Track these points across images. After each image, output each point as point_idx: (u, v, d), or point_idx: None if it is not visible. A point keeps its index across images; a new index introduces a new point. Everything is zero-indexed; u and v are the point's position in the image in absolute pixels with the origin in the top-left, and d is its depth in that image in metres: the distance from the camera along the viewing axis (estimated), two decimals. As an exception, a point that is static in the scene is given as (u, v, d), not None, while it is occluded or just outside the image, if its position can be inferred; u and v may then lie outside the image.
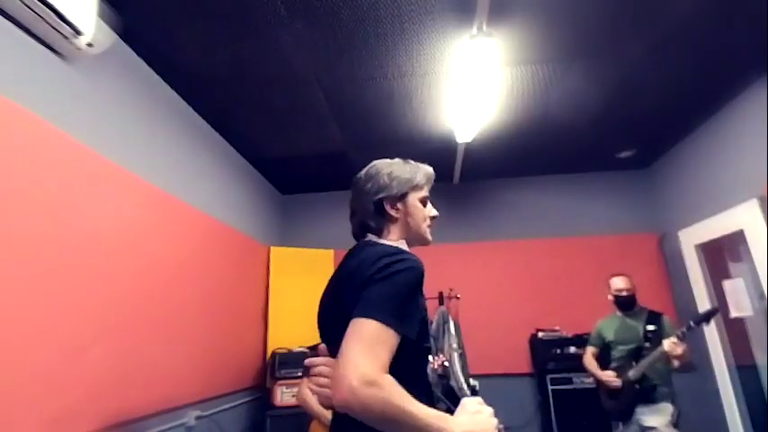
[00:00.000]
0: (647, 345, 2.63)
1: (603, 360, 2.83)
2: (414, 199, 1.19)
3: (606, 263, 3.53)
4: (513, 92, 2.82)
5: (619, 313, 2.84)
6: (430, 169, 1.24)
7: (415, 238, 1.18)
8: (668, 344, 2.44)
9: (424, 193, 1.20)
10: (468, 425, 0.85)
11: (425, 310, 0.99)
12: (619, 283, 2.82)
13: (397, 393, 0.79)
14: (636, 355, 2.65)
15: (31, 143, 1.60)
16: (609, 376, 2.68)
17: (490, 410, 0.92)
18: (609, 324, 2.85)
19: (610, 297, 2.86)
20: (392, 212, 1.16)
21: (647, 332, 2.67)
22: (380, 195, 1.15)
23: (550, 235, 4.13)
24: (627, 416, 2.61)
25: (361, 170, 1.25)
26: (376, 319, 0.82)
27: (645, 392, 2.56)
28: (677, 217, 3.72)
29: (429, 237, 1.21)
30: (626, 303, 2.79)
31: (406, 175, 1.19)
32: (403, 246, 1.14)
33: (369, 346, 0.80)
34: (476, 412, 0.90)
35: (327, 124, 3.17)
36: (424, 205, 1.20)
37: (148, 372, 2.15)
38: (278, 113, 3.00)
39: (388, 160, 1.23)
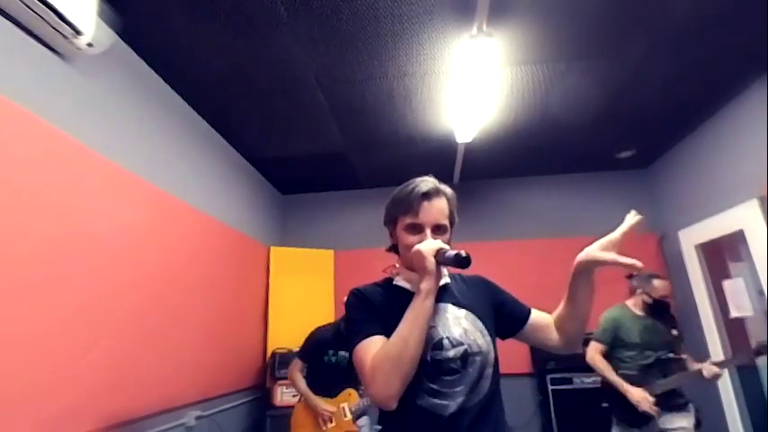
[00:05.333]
0: (679, 355, 2.46)
1: (612, 359, 2.52)
2: (399, 227, 1.12)
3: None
4: (513, 92, 2.82)
5: (634, 309, 2.58)
6: (420, 188, 1.09)
7: (411, 269, 1.10)
8: (712, 373, 2.30)
9: (409, 219, 1.09)
10: (418, 260, 1.02)
11: (380, 311, 1.09)
12: (665, 288, 2.56)
13: (378, 353, 0.97)
14: (664, 364, 2.44)
15: (30, 143, 1.60)
16: (645, 399, 2.33)
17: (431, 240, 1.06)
18: (628, 322, 2.53)
19: (646, 299, 2.56)
20: (392, 240, 1.19)
21: (673, 338, 2.50)
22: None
23: (550, 235, 4.13)
24: (645, 422, 2.40)
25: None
26: (354, 347, 1.04)
27: (679, 405, 2.41)
28: (677, 217, 3.72)
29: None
30: (665, 311, 2.54)
31: (393, 201, 1.15)
32: (400, 276, 1.18)
33: (360, 364, 1.00)
34: (416, 249, 1.04)
35: (327, 124, 3.16)
36: (413, 233, 1.09)
37: (148, 372, 2.15)
38: (278, 113, 3.00)
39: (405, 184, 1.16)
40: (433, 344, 1.04)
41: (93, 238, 1.85)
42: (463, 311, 1.11)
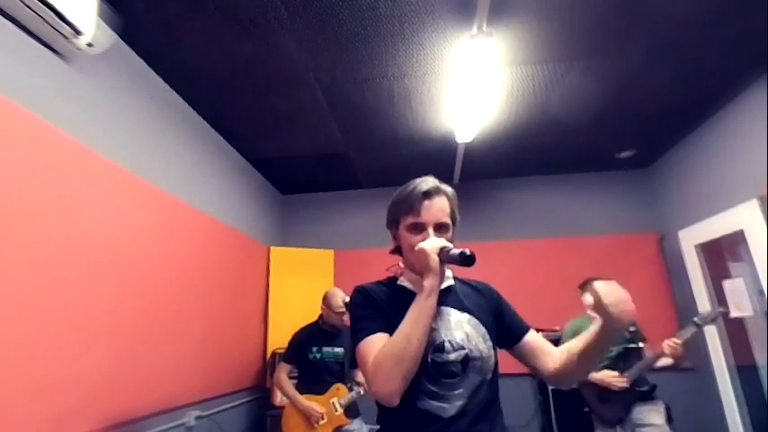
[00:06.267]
0: (634, 345, 2.61)
1: None
2: (402, 227, 1.12)
3: (607, 263, 3.53)
4: (513, 92, 2.82)
5: (594, 314, 2.78)
6: (421, 187, 1.10)
7: (414, 270, 1.12)
8: (668, 346, 2.40)
9: (411, 219, 1.09)
10: (422, 259, 1.01)
11: (384, 309, 1.10)
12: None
13: (380, 350, 0.98)
14: (625, 356, 2.59)
15: (31, 143, 1.60)
16: (615, 377, 2.52)
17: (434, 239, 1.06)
18: (586, 324, 2.70)
19: (591, 301, 2.79)
20: (394, 242, 1.19)
21: (630, 332, 2.65)
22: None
23: (550, 235, 4.13)
24: (622, 418, 2.54)
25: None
26: (357, 344, 1.06)
27: (646, 393, 2.53)
28: (677, 217, 3.72)
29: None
30: None
31: (394, 202, 1.15)
32: (404, 277, 1.18)
33: (363, 361, 1.02)
34: (420, 247, 1.04)
35: (327, 124, 3.16)
36: (416, 232, 1.09)
37: (149, 372, 2.15)
38: (278, 113, 3.00)
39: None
40: (434, 346, 1.04)
41: (93, 238, 1.85)
42: (466, 316, 1.11)
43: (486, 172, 4.25)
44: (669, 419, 2.51)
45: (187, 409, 2.49)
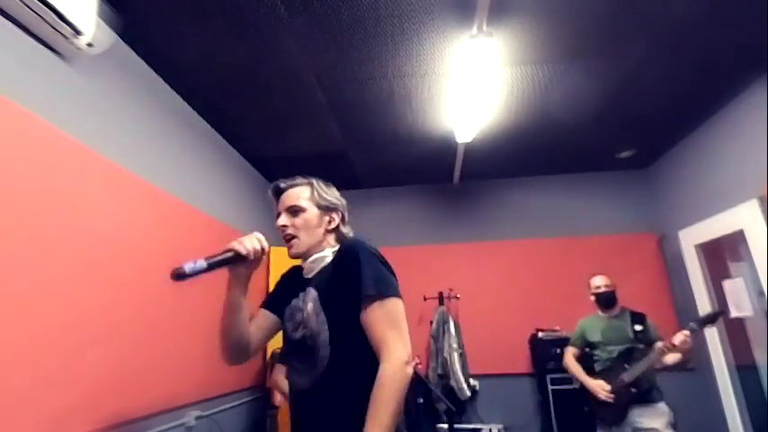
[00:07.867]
0: (640, 346, 2.59)
1: (586, 361, 2.76)
2: None
3: (606, 263, 3.52)
4: (513, 92, 2.82)
5: (602, 314, 2.80)
6: (271, 187, 1.40)
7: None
8: (681, 338, 2.37)
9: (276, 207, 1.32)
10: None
11: (274, 294, 1.46)
12: (598, 280, 2.81)
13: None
14: (627, 355, 2.58)
15: (31, 143, 1.60)
16: (602, 388, 2.56)
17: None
18: (593, 324, 2.80)
19: (591, 297, 2.84)
20: None
21: (636, 332, 2.63)
22: None
23: (550, 235, 4.13)
24: (619, 419, 2.52)
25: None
26: None
27: (641, 394, 2.50)
28: (677, 217, 3.72)
29: (288, 249, 1.31)
30: (606, 300, 2.76)
31: None
32: None
33: None
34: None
35: (327, 124, 3.17)
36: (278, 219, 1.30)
37: (149, 372, 2.15)
38: (278, 113, 3.00)
39: None
40: (293, 325, 1.20)
41: (93, 238, 1.85)
42: (315, 293, 1.19)
43: (486, 172, 4.24)
44: (673, 425, 2.47)
45: (187, 409, 2.49)
